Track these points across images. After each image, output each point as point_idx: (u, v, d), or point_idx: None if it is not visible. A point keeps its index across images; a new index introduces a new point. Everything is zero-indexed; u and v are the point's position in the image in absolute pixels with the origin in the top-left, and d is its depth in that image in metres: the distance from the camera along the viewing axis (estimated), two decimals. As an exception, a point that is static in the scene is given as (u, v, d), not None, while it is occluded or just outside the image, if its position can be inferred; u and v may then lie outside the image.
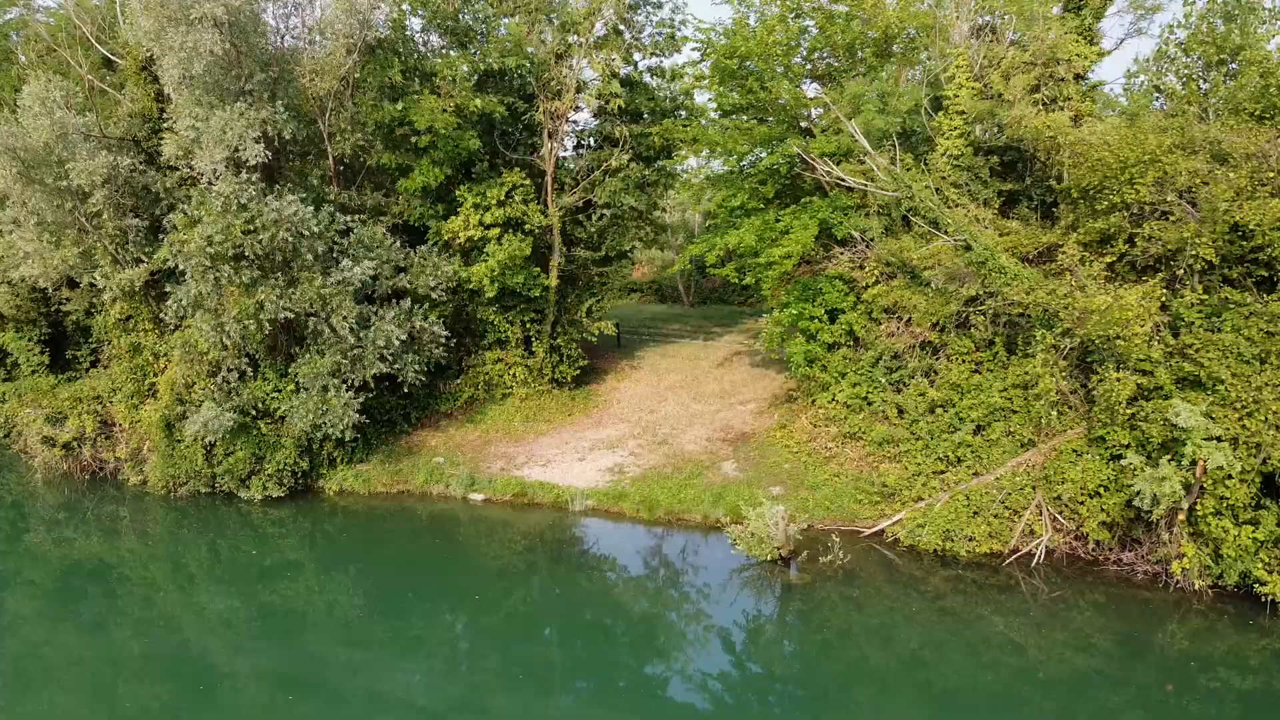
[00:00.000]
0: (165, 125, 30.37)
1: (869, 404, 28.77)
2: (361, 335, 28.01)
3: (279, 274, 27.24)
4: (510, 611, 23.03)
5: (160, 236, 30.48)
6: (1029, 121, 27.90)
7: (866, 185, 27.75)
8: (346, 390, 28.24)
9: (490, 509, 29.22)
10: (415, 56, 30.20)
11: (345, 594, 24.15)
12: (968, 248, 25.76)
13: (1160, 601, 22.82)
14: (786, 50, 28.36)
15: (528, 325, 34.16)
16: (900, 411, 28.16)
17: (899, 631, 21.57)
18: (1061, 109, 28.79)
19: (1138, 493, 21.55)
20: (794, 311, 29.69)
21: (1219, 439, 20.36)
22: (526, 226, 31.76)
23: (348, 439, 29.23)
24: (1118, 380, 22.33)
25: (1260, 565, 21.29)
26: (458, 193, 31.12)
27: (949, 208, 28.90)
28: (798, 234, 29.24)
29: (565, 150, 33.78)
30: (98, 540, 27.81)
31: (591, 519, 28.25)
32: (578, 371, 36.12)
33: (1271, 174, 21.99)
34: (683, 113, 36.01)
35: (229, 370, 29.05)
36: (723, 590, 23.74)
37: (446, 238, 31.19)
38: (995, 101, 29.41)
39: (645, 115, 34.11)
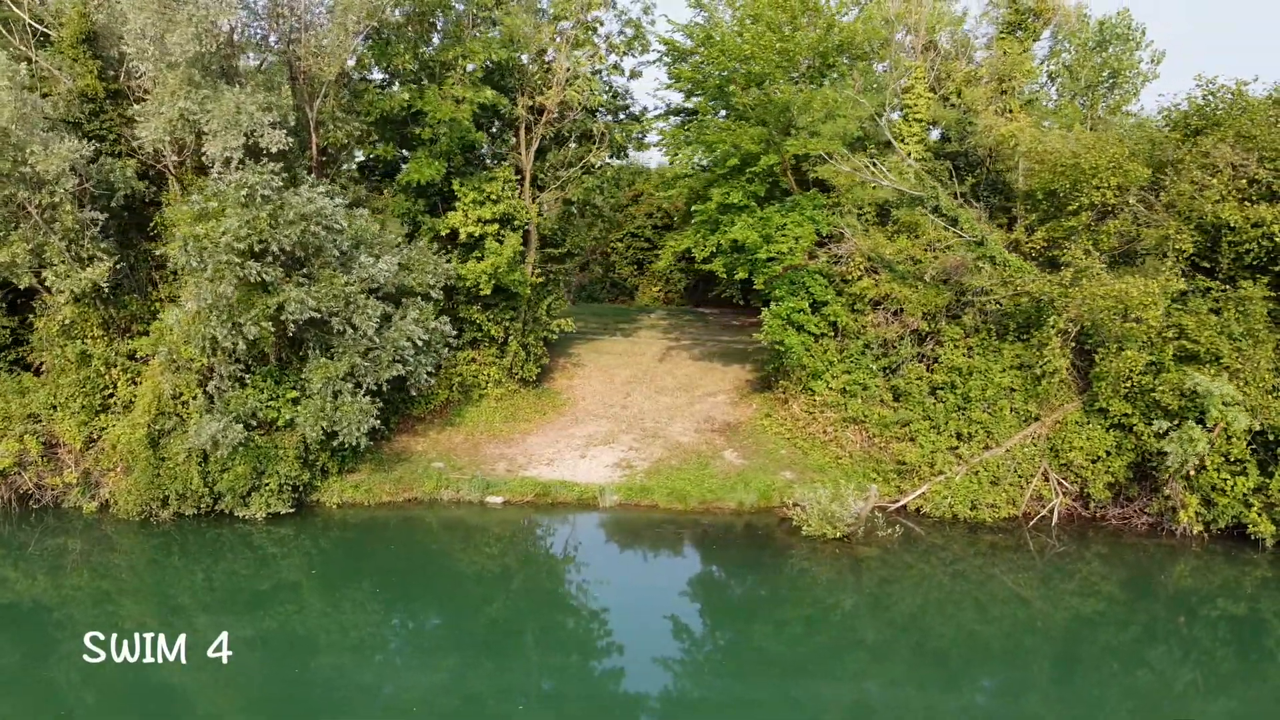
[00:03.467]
0: (127, 109, 27.29)
1: (865, 389, 30.73)
2: (382, 336, 26.49)
3: (302, 270, 25.26)
4: (608, 610, 22.89)
5: (123, 231, 27.28)
6: (997, 130, 31.00)
7: (888, 184, 29.69)
8: (363, 395, 26.62)
9: (511, 511, 28.51)
10: (421, 45, 28.75)
11: (397, 617, 22.52)
12: (979, 243, 28.34)
13: (1157, 547, 26.45)
14: (788, 56, 29.71)
15: (506, 324, 33.43)
16: (896, 395, 30.35)
17: (973, 588, 23.76)
18: (1009, 120, 32.13)
19: (1163, 454, 24.92)
20: (790, 305, 31.13)
21: (1229, 404, 23.91)
22: (515, 223, 31.18)
23: (362, 446, 27.46)
24: (1129, 357, 25.56)
25: (1252, 509, 25.20)
26: (455, 188, 29.99)
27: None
28: (793, 229, 30.70)
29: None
30: (81, 577, 24.39)
31: (624, 514, 28.35)
32: (540, 369, 35.77)
33: (1242, 181, 26.00)
34: (634, 111, 36.50)
35: (222, 378, 26.47)
36: (807, 568, 24.79)
37: (444, 233, 30.00)
38: (959, 111, 32.40)
39: (599, 112, 34.28)
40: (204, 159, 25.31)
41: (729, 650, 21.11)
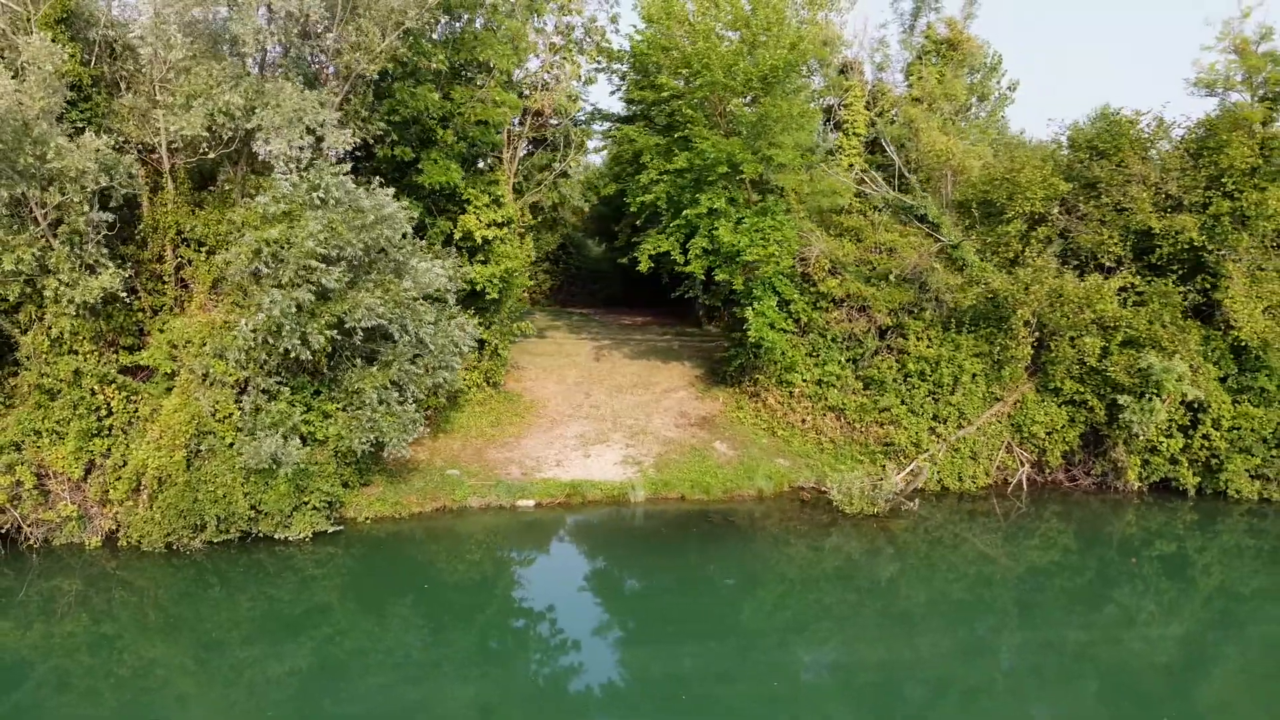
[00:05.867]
0: (112, 99, 24.75)
1: (839, 379, 33.62)
2: (434, 341, 25.92)
3: (369, 276, 24.20)
4: (693, 602, 24.12)
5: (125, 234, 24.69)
6: (938, 145, 34.98)
7: (883, 191, 32.69)
8: (410, 403, 25.93)
9: (544, 513, 28.74)
10: (457, 44, 27.95)
11: (479, 631, 21.81)
12: (955, 246, 32.01)
13: (1102, 503, 31.36)
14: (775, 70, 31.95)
15: (489, 328, 33.19)
16: (866, 385, 33.45)
17: (997, 547, 27.42)
18: (950, 138, 36.33)
19: (1113, 423, 29.72)
20: (766, 304, 33.36)
21: (1180, 379, 28.98)
22: (512, 226, 31.21)
23: (406, 456, 26.62)
24: (1088, 343, 30.18)
25: (1179, 466, 30.63)
26: (464, 190, 29.50)
27: (874, 212, 35.17)
28: (771, 233, 32.95)
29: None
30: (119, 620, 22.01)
31: (656, 508, 29.39)
32: (503, 373, 35.73)
33: (1160, 195, 31.38)
34: (580, 117, 37.27)
35: (259, 392, 24.75)
36: (849, 542, 27.18)
37: (459, 236, 29.46)
38: (900, 126, 36.15)
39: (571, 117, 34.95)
40: (263, 157, 23.61)
41: (849, 615, 23.03)
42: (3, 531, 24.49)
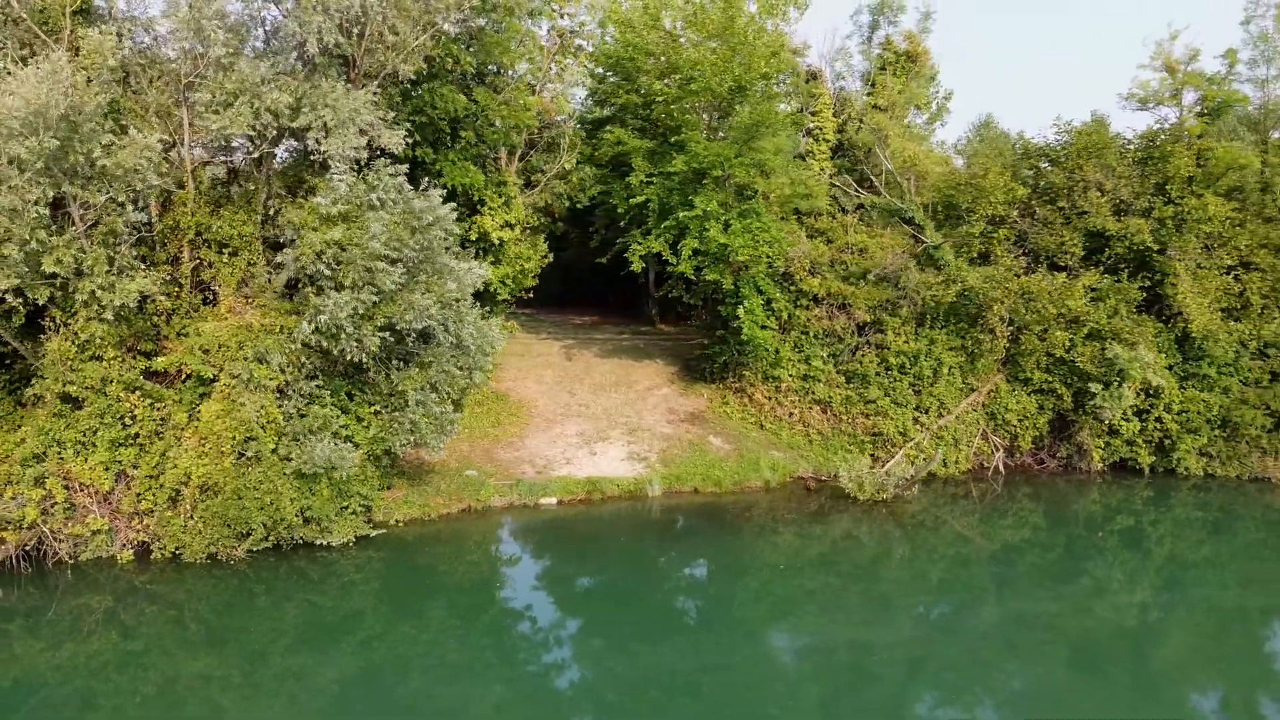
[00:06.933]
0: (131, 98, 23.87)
1: (822, 374, 35.26)
2: (474, 341, 26.05)
3: (418, 278, 24.12)
4: (740, 591, 25.26)
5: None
6: (907, 151, 37.10)
7: (856, 195, 34.34)
8: (448, 404, 26.00)
9: (566, 510, 29.19)
10: (476, 46, 27.88)
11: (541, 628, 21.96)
12: (936, 248, 34.07)
13: (1067, 484, 34.05)
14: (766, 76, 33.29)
15: (490, 328, 33.25)
16: (848, 378, 35.21)
17: (1000, 527, 29.56)
18: (916, 144, 38.53)
19: (1081, 409, 32.40)
20: (756, 303, 34.69)
21: (1146, 367, 31.84)
22: (517, 228, 31.48)
23: (441, 456, 26.60)
24: (1058, 336, 32.77)
25: (1135, 447, 33.60)
26: (480, 191, 29.56)
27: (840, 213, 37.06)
28: (762, 235, 34.28)
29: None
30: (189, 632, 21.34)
31: (673, 501, 30.29)
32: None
33: (1115, 200, 34.30)
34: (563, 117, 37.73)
35: (299, 396, 24.33)
36: (863, 526, 28.77)
37: (474, 238, 29.49)
38: (868, 133, 38.12)
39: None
40: (280, 157, 23.22)
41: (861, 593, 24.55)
42: (25, 548, 23.27)
